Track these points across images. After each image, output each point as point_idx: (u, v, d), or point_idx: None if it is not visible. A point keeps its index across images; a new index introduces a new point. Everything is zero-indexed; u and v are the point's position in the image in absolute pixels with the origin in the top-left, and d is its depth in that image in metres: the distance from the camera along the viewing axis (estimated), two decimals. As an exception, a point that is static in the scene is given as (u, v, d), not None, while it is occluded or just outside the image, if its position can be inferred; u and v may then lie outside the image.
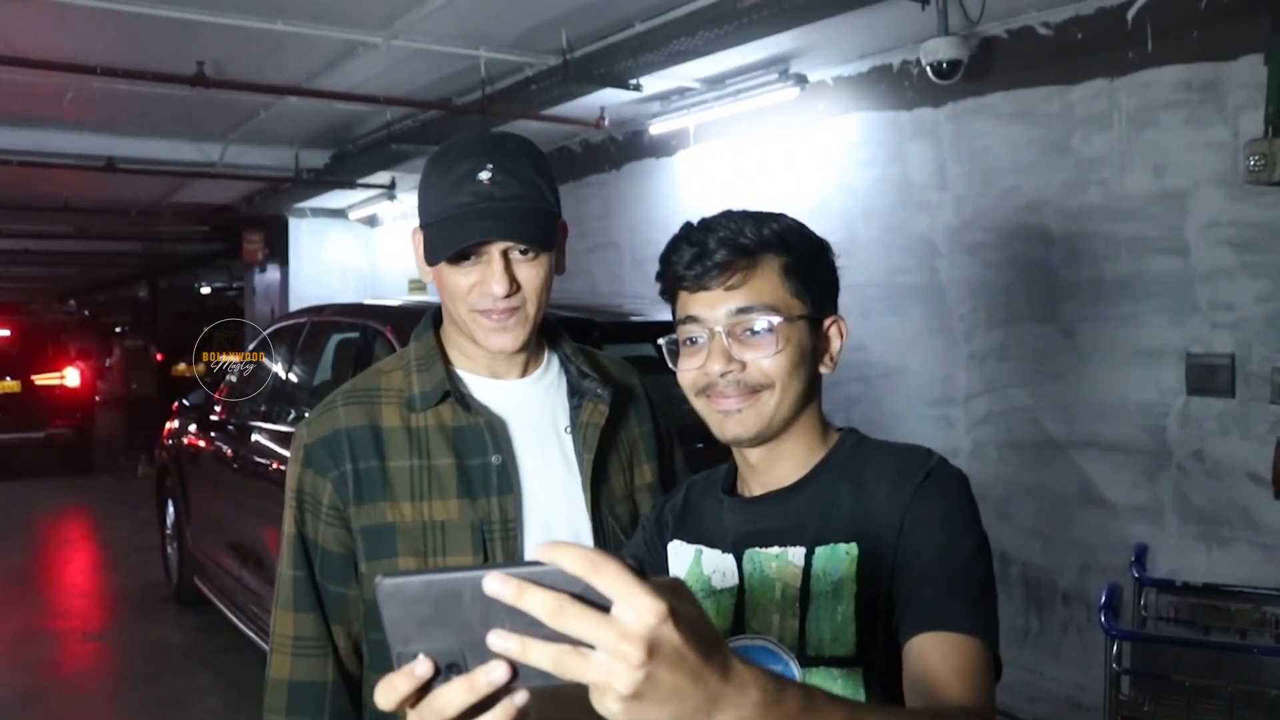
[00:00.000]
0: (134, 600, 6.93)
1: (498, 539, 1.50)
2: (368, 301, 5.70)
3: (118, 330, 24.66)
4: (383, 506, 1.48)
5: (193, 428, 6.26)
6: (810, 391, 1.30)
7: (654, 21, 5.33)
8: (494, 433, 1.53)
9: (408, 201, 10.99)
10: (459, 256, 1.46)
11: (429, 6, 5.21)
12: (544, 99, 6.40)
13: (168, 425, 6.90)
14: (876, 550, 1.21)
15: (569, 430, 1.61)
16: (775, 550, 1.26)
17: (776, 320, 1.24)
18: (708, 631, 0.70)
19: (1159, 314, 4.48)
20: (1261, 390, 4.15)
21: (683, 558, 1.35)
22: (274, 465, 4.70)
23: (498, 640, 0.64)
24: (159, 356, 16.73)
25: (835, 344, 1.32)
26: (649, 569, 0.67)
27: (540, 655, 0.64)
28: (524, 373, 1.61)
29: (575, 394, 1.63)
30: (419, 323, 1.66)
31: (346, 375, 4.54)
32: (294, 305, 10.55)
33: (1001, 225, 5.13)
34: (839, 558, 1.22)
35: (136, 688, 5.37)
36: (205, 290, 22.34)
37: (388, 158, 8.34)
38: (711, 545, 1.32)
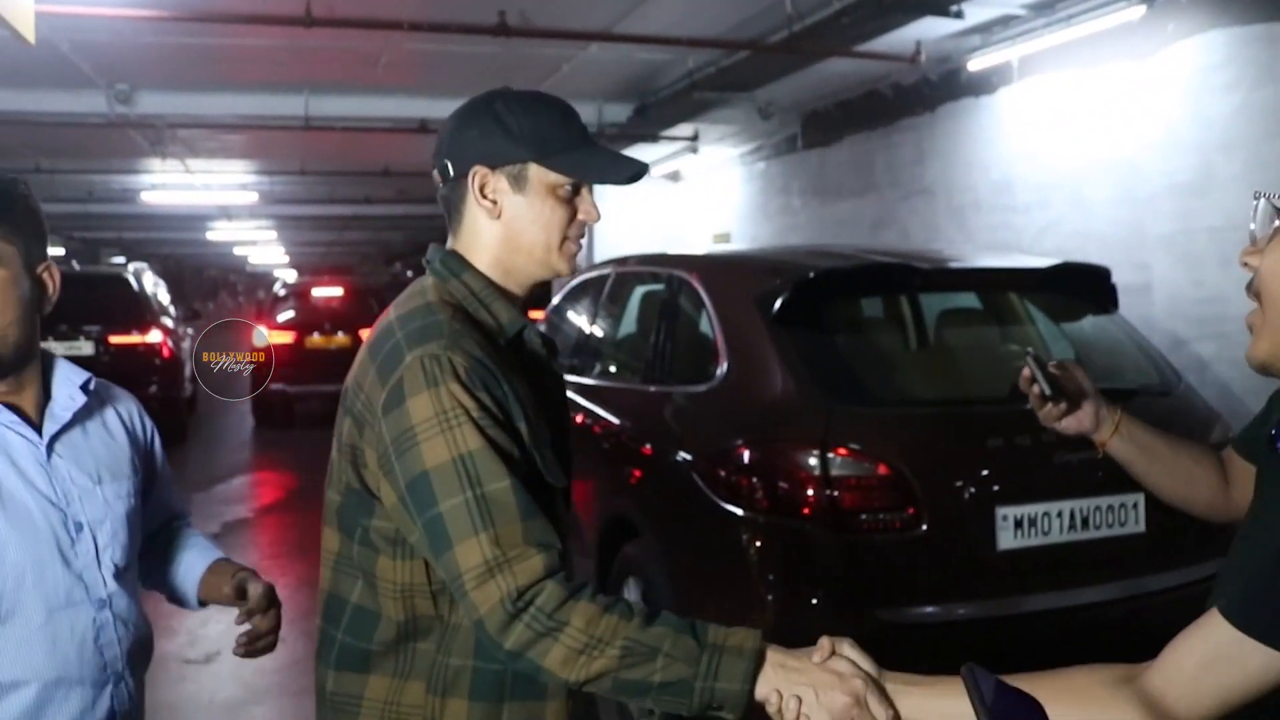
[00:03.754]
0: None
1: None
2: (673, 251, 5.55)
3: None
4: (524, 428, 1.52)
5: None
6: None
7: (980, -62, 4.87)
8: (542, 359, 1.69)
9: (712, 156, 10.89)
10: (575, 187, 1.61)
11: (735, -60, 4.99)
12: (855, 34, 6.06)
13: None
14: None
15: None
16: None
17: None
18: None
19: None
20: None
21: None
22: (578, 419, 4.64)
23: None
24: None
25: None
26: None
27: None
28: None
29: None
30: (445, 264, 1.62)
31: (652, 327, 4.41)
32: (598, 259, 10.70)
33: (1405, 152, 4.35)
34: None
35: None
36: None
37: (691, 107, 8.28)
38: None
